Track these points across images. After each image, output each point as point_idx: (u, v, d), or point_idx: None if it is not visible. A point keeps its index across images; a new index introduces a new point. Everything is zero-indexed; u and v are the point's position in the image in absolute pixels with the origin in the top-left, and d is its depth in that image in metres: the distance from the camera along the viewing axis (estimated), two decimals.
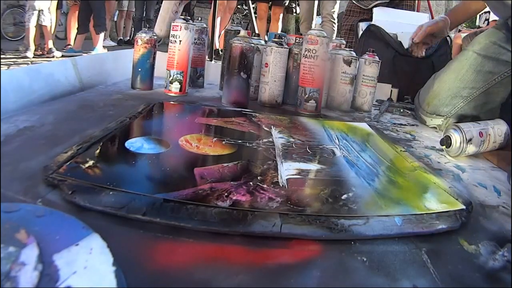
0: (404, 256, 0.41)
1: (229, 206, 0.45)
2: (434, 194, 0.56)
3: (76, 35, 3.98)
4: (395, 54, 1.92)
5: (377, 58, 1.16)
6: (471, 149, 0.78)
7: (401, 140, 0.88)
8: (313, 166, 0.62)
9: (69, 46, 3.97)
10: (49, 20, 3.81)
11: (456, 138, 0.78)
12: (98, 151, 0.58)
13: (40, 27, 3.82)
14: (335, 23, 2.81)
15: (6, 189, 0.43)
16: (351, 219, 0.45)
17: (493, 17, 4.25)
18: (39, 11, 3.65)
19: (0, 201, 0.35)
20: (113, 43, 5.05)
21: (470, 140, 0.77)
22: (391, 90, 1.43)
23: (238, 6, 4.74)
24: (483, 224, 0.51)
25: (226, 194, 0.47)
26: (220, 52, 2.51)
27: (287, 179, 0.55)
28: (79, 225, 0.34)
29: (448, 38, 2.08)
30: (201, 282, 0.34)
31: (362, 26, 2.08)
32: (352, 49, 1.14)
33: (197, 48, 1.17)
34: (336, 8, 2.84)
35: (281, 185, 0.53)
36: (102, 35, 4.02)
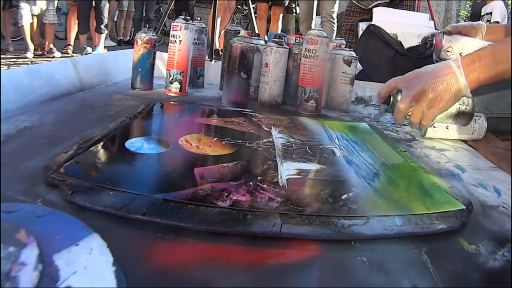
0: (404, 256, 0.41)
1: (229, 206, 0.45)
2: (434, 194, 0.56)
3: (77, 35, 3.97)
4: (395, 54, 1.92)
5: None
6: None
7: (401, 140, 0.88)
8: (313, 166, 0.62)
9: (69, 46, 3.97)
10: (56, 18, 3.81)
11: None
12: (98, 151, 0.58)
13: (40, 27, 3.81)
14: (334, 23, 2.81)
15: (6, 189, 0.43)
16: (351, 219, 0.45)
17: (494, 18, 4.25)
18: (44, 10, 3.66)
19: (0, 201, 0.35)
20: (113, 43, 5.05)
21: None
22: None
23: (238, 6, 4.75)
24: (483, 224, 0.51)
25: (226, 194, 0.47)
26: (220, 52, 2.51)
27: (287, 179, 0.55)
28: (79, 225, 0.34)
29: None
30: (201, 282, 0.34)
31: (362, 26, 2.08)
32: (352, 49, 1.14)
33: (197, 48, 1.17)
34: (336, 8, 2.84)
35: (281, 185, 0.53)
36: (104, 35, 4.03)
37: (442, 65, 0.71)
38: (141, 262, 0.35)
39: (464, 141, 0.91)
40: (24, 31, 3.59)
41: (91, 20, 3.89)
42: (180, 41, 1.01)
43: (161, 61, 1.26)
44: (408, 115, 0.72)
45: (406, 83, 0.72)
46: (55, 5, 3.84)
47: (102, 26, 3.90)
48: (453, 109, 0.72)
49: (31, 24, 3.63)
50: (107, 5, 3.96)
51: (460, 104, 0.72)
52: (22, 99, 0.78)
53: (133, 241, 0.38)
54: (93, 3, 3.82)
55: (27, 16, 3.55)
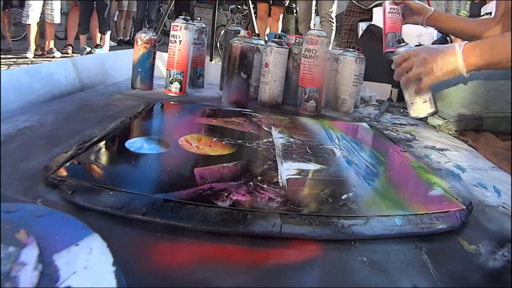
0: (404, 256, 0.41)
1: (229, 206, 0.45)
2: (434, 194, 0.56)
3: (77, 35, 3.97)
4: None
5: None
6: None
7: (401, 140, 0.88)
8: (313, 166, 0.62)
9: (69, 46, 3.96)
10: (59, 19, 3.80)
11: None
12: (98, 151, 0.58)
13: (40, 27, 3.80)
14: (333, 23, 2.81)
15: (6, 189, 0.43)
16: (351, 219, 0.45)
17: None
18: (47, 8, 3.64)
19: (0, 201, 0.35)
20: (113, 43, 5.05)
21: None
22: (391, 90, 1.43)
23: (238, 6, 4.75)
24: (483, 224, 0.51)
25: (226, 194, 0.47)
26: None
27: (287, 179, 0.55)
28: (79, 225, 0.34)
29: (448, 38, 2.08)
30: (201, 282, 0.34)
31: (362, 26, 2.07)
32: (355, 50, 1.14)
33: (197, 48, 1.17)
34: (334, 8, 2.84)
35: (281, 185, 0.53)
36: (108, 35, 4.03)
37: (448, 46, 0.84)
38: (141, 262, 0.35)
39: (465, 141, 0.91)
40: (30, 30, 3.58)
41: (92, 21, 3.89)
42: (180, 41, 1.01)
43: (161, 61, 1.26)
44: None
45: (415, 51, 0.87)
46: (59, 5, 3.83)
47: (105, 26, 3.91)
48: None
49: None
50: (110, 6, 3.97)
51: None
52: (22, 99, 0.78)
53: (133, 241, 0.38)
54: (95, 4, 3.82)
55: (35, 15, 3.53)
